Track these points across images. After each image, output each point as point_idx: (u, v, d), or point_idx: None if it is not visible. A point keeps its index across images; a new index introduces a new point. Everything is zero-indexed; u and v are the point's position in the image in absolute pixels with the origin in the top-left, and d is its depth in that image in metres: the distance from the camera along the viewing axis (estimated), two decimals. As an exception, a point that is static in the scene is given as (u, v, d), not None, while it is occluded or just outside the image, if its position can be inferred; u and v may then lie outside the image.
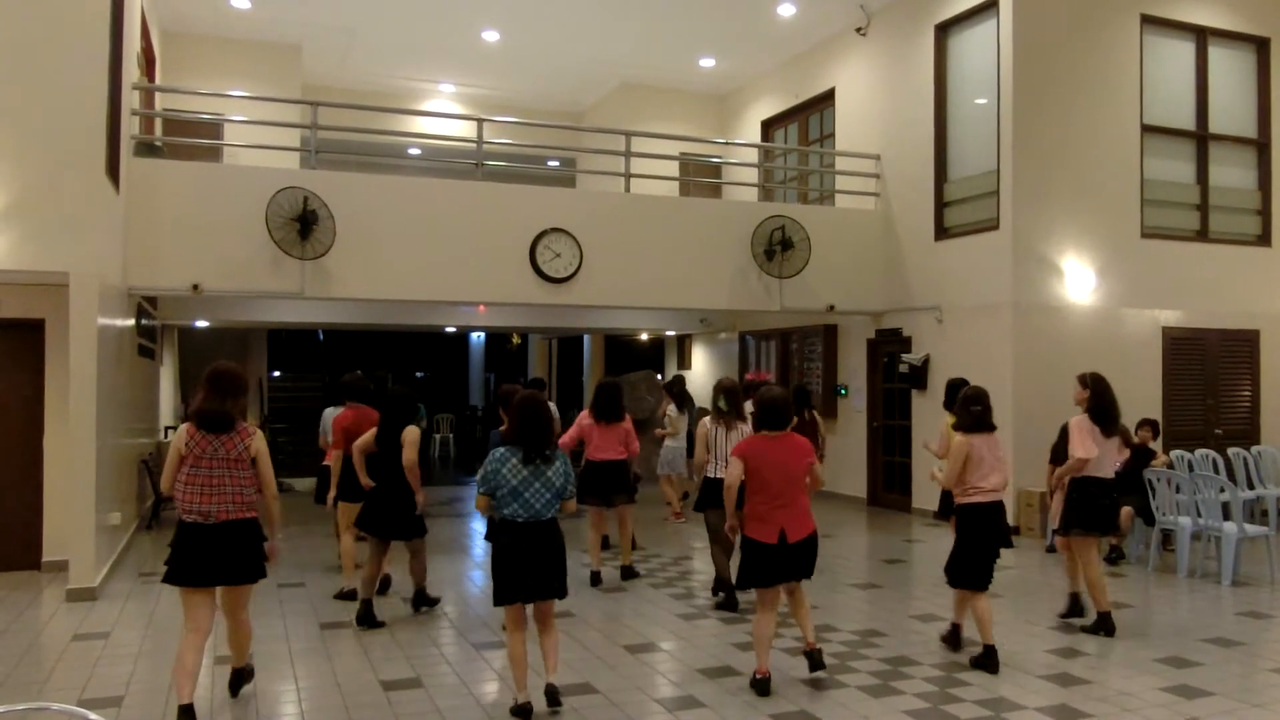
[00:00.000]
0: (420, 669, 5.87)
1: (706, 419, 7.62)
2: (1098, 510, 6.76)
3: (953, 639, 6.36)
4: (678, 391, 11.90)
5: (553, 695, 5.11)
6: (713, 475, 7.41)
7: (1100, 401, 6.82)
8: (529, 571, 5.02)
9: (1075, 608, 7.12)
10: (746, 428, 7.25)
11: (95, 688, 5.53)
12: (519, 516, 5.01)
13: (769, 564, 5.45)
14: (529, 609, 5.17)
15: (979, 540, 6.08)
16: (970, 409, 6.19)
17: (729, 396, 7.49)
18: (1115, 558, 9.04)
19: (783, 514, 5.46)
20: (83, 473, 7.56)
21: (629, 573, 8.41)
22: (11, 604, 7.39)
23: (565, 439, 8.41)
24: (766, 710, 5.18)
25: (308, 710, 5.20)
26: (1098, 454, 6.72)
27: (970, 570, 6.07)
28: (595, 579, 8.16)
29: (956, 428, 6.41)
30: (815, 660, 5.65)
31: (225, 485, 4.91)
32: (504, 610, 5.15)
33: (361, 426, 7.37)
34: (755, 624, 5.59)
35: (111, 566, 8.42)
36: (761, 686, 5.43)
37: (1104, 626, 6.66)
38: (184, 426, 5.00)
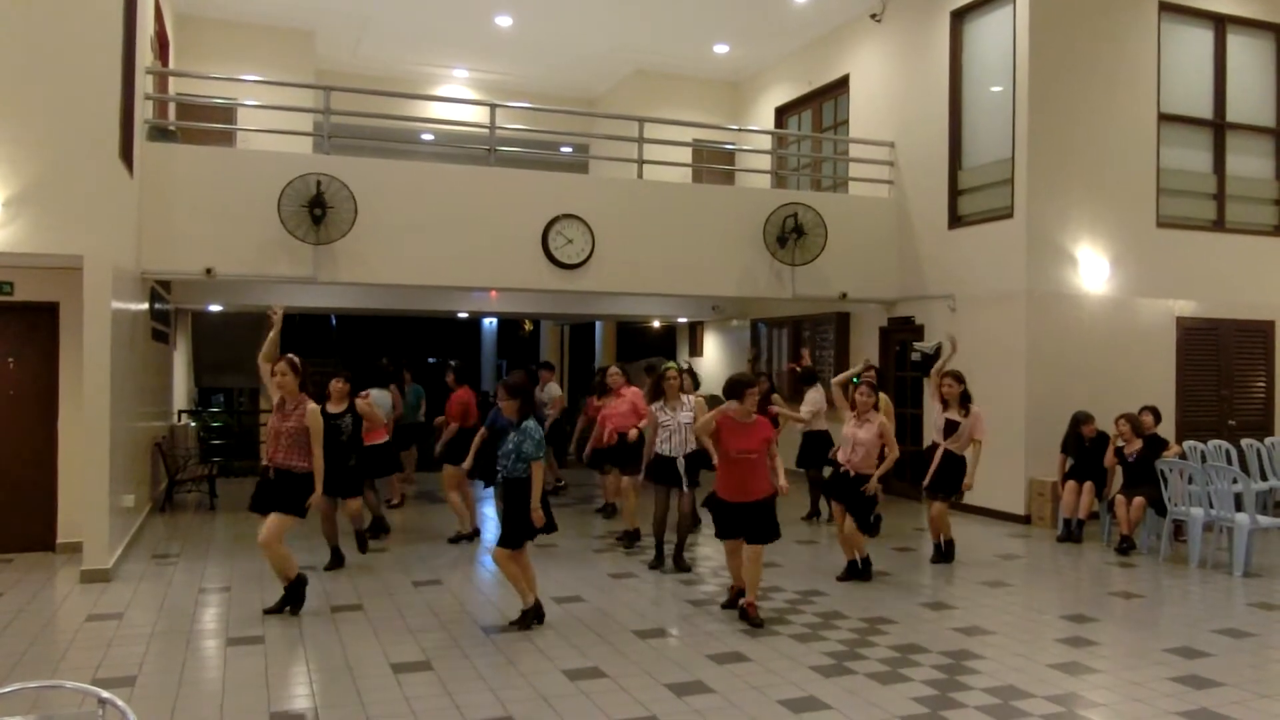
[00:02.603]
0: (430, 652, 5.90)
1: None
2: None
3: (866, 571, 7.89)
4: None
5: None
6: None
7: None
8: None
9: (949, 553, 8.66)
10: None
11: (109, 667, 5.58)
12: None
13: (729, 518, 6.62)
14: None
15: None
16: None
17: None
18: (1126, 548, 9.01)
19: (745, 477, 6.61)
20: (96, 455, 7.62)
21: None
22: (26, 585, 7.46)
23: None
24: (775, 696, 5.19)
25: (319, 692, 5.24)
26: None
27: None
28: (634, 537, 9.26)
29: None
30: (748, 616, 6.56)
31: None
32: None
33: (470, 404, 9.43)
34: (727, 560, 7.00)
35: (125, 548, 8.48)
36: (733, 601, 6.82)
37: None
38: (318, 408, 6.73)
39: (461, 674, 5.53)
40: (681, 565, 8.16)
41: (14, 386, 8.49)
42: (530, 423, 6.33)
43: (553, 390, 11.68)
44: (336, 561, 8.08)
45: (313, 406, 6.72)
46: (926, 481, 8.55)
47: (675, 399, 8.14)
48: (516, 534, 6.35)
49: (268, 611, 6.67)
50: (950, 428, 8.40)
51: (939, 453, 8.44)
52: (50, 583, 7.56)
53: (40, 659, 5.74)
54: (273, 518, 6.60)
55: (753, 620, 6.49)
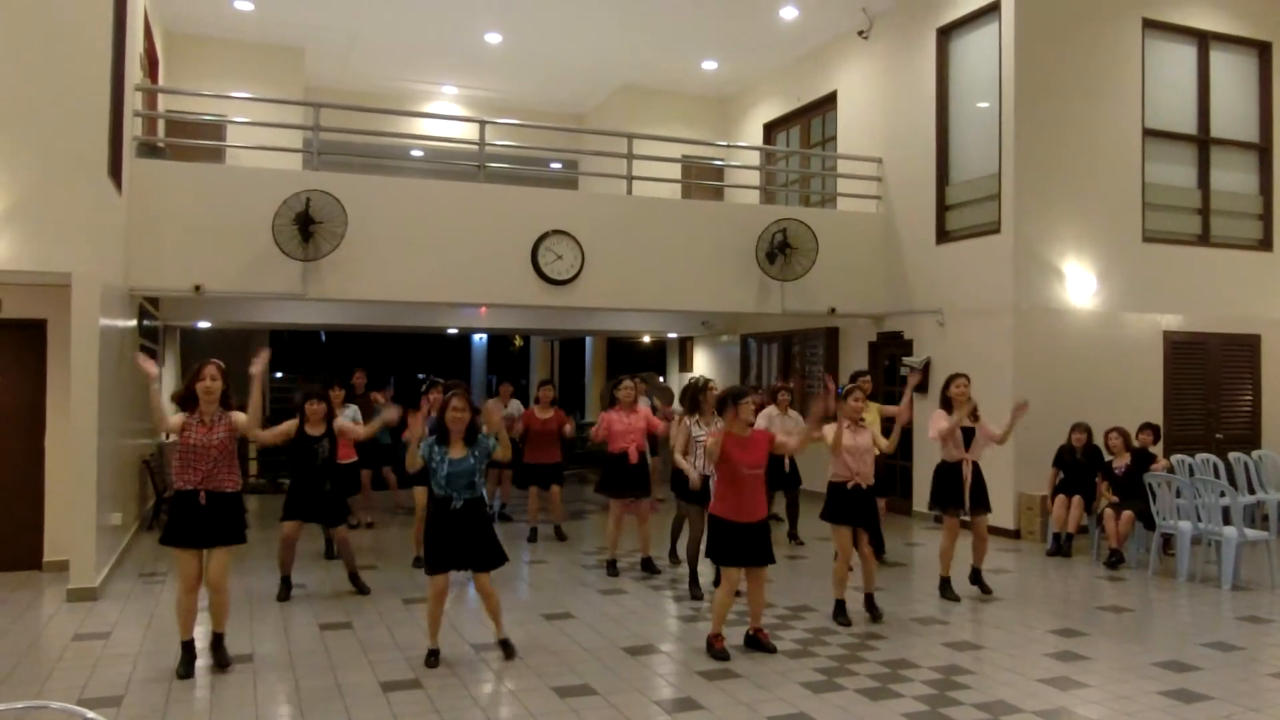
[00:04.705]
0: (420, 671, 5.87)
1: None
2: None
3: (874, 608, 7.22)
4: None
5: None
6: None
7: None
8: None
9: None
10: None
11: (95, 687, 5.54)
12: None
13: (732, 540, 6.16)
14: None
15: None
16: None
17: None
18: (1115, 562, 9.03)
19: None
20: (84, 473, 7.57)
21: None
22: (12, 604, 7.40)
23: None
24: (766, 712, 5.18)
25: (307, 711, 5.20)
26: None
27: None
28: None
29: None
30: (761, 643, 6.36)
31: None
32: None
33: None
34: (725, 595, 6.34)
35: (112, 567, 8.42)
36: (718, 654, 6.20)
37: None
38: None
39: (451, 692, 5.50)
40: (697, 593, 7.87)
41: (1, 403, 8.45)
42: (485, 440, 6.03)
43: (515, 406, 11.39)
44: (286, 592, 7.73)
45: (239, 415, 5.95)
46: (966, 502, 7.75)
47: (711, 415, 7.90)
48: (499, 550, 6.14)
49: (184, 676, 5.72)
50: (967, 436, 7.81)
51: (967, 468, 7.77)
52: (36, 601, 7.51)
53: (26, 679, 5.69)
54: (221, 553, 5.82)
55: (767, 646, 6.32)
